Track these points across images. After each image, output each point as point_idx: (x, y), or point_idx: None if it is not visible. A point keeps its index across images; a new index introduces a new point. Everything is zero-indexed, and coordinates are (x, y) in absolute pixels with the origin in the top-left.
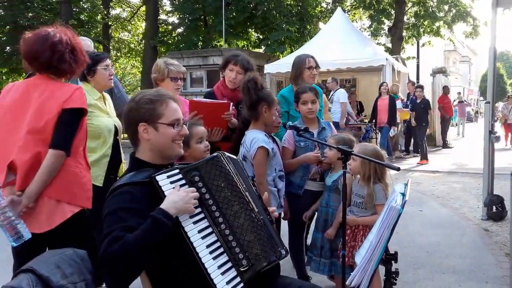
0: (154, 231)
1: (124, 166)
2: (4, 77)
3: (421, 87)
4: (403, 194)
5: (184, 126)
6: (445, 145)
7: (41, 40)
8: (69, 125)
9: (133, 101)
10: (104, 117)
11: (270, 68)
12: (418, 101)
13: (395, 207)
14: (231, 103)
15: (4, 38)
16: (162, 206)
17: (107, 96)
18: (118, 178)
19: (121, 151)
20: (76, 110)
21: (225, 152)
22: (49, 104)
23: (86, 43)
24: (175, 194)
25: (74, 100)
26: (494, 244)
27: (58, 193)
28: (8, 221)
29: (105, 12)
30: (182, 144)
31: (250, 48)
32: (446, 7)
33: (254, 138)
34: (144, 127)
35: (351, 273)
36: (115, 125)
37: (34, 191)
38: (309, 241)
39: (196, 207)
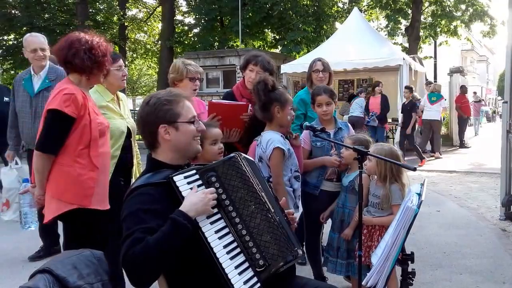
0: (175, 234)
1: (141, 168)
2: None
3: (409, 88)
4: (419, 194)
5: (200, 122)
6: (462, 145)
7: (65, 40)
8: (49, 126)
9: (147, 105)
10: (116, 118)
11: (286, 68)
12: (406, 102)
13: (411, 208)
14: (250, 104)
15: (21, 40)
16: (182, 208)
17: (122, 96)
18: (131, 180)
19: (135, 153)
20: (53, 111)
21: (242, 153)
22: (46, 105)
23: (39, 40)
24: (194, 195)
25: (53, 101)
26: None
27: (51, 190)
28: (21, 208)
29: (121, 13)
30: (199, 140)
31: (267, 49)
32: (463, 7)
33: (270, 139)
34: (164, 128)
35: (367, 274)
36: (128, 127)
37: (38, 186)
38: (323, 241)
39: (213, 208)
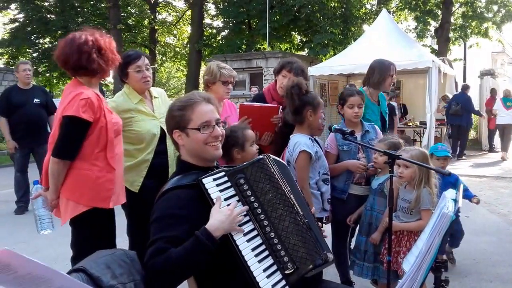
0: (196, 253)
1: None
2: (55, 81)
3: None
4: (455, 200)
5: (217, 127)
6: (491, 149)
7: (69, 44)
8: (66, 132)
9: (169, 109)
10: (146, 120)
11: (313, 70)
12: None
13: (447, 214)
14: (280, 107)
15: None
16: (209, 226)
17: (158, 92)
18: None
19: (170, 156)
20: (71, 118)
21: (271, 155)
22: (59, 110)
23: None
24: (221, 213)
25: (69, 107)
26: None
27: (67, 193)
28: (35, 212)
29: (152, 17)
30: (219, 145)
31: (293, 51)
32: (495, 8)
33: (297, 142)
34: (178, 133)
35: (399, 281)
36: (162, 128)
37: (51, 189)
38: (352, 244)
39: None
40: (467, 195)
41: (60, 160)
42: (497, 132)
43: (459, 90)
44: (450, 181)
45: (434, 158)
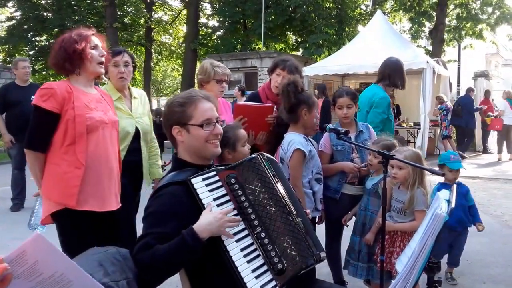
0: (180, 252)
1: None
2: (51, 79)
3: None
4: (449, 201)
5: (218, 125)
6: (485, 150)
7: (58, 42)
8: (31, 122)
9: (166, 105)
10: (122, 118)
11: (308, 71)
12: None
13: (440, 215)
14: (275, 106)
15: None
16: (195, 226)
17: (139, 93)
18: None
19: (145, 157)
20: (34, 107)
21: (264, 153)
22: None
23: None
24: (212, 215)
25: (35, 97)
26: None
27: (43, 189)
28: (33, 209)
29: (148, 16)
30: (218, 143)
31: (288, 51)
32: (489, 9)
33: (292, 140)
34: (177, 129)
35: (392, 281)
36: (137, 127)
37: (36, 185)
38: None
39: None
40: (476, 220)
41: (29, 150)
42: (495, 133)
43: (453, 91)
44: (462, 192)
45: (446, 169)
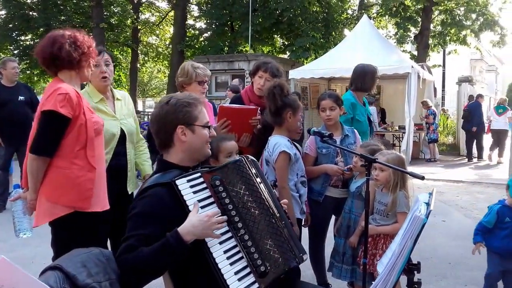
0: (164, 254)
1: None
2: (36, 78)
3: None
4: (428, 204)
5: (212, 128)
6: (469, 155)
7: (46, 38)
8: (44, 128)
9: (167, 104)
10: (106, 120)
11: (294, 73)
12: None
13: (419, 217)
14: (259, 108)
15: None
16: (180, 229)
17: (122, 95)
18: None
19: (131, 159)
20: (48, 112)
21: (249, 156)
22: (39, 107)
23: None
24: (197, 217)
25: (48, 102)
26: None
27: (46, 193)
28: (14, 214)
29: (135, 17)
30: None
31: (275, 54)
32: (473, 16)
33: (277, 143)
34: (182, 129)
35: (373, 282)
36: (122, 129)
37: (30, 189)
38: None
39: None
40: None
41: (37, 156)
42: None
43: (438, 95)
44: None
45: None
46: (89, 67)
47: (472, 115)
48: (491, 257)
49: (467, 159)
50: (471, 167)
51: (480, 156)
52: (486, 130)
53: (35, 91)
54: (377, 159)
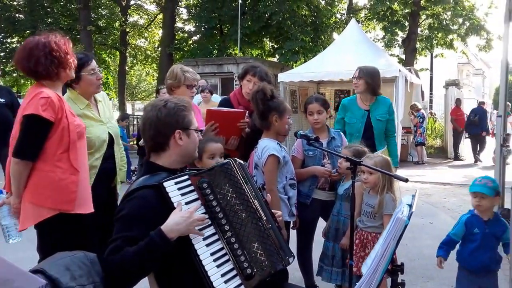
0: (149, 253)
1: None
2: (22, 81)
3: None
4: (410, 206)
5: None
6: (456, 157)
7: (22, 49)
8: (26, 131)
9: (165, 107)
10: (95, 126)
11: (283, 77)
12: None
13: (401, 219)
14: (247, 112)
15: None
16: (164, 227)
17: (101, 96)
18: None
19: (118, 161)
20: (31, 116)
21: (237, 159)
22: (20, 111)
23: None
24: (179, 215)
25: (29, 106)
26: (505, 258)
27: (30, 196)
28: (1, 221)
29: (123, 19)
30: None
31: (264, 57)
32: (460, 20)
33: (266, 146)
34: (179, 133)
35: (357, 283)
36: (110, 133)
37: (13, 193)
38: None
39: (203, 213)
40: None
41: (20, 160)
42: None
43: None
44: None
45: None
46: (70, 70)
47: (480, 120)
48: (460, 274)
49: (473, 161)
50: (459, 170)
51: (477, 160)
52: (491, 134)
53: (21, 93)
54: (362, 161)
